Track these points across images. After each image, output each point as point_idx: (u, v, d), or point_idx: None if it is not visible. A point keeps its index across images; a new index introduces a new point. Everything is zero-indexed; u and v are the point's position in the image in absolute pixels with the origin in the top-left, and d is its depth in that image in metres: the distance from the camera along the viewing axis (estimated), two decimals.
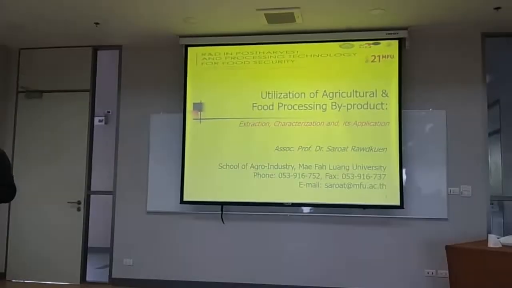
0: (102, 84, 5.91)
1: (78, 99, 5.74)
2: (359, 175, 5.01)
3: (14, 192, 3.02)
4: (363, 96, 5.08)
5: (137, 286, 5.36)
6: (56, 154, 5.71)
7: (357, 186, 5.00)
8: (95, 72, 5.82)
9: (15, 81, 5.90)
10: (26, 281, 5.57)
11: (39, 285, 5.46)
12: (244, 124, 5.25)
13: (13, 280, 5.61)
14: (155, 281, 5.36)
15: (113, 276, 5.50)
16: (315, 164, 5.08)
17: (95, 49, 5.81)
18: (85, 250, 5.64)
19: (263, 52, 5.28)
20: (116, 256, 5.52)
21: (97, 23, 4.99)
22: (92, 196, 5.74)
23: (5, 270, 5.66)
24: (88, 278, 5.65)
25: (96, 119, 6.01)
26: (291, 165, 5.12)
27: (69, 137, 5.72)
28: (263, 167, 5.17)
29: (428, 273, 4.98)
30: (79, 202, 5.61)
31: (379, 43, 5.10)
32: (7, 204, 4.06)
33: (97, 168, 5.90)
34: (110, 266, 5.55)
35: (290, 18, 4.77)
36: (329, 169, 5.06)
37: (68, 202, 5.60)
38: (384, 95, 5.04)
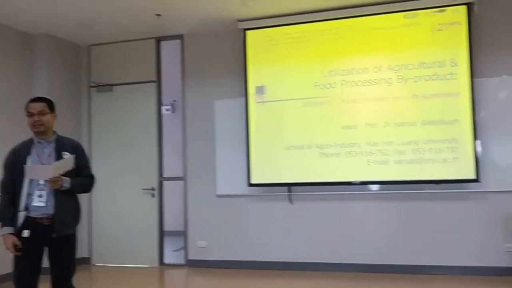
0: (167, 74, 6.08)
1: (145, 90, 5.96)
2: (430, 150, 4.84)
3: (94, 182, 3.19)
4: (430, 67, 4.88)
5: (212, 266, 5.54)
6: (129, 143, 5.97)
7: (429, 161, 4.84)
8: (159, 63, 5.99)
9: (86, 77, 6.20)
10: (109, 265, 5.92)
11: (122, 268, 5.78)
12: (307, 104, 5.22)
13: (97, 264, 5.98)
14: (228, 261, 5.51)
15: (189, 258, 5.73)
16: (383, 141, 4.97)
17: (158, 40, 5.97)
18: (161, 234, 5.90)
19: (324, 30, 5.19)
20: (190, 239, 5.74)
21: (158, 15, 5.12)
22: (164, 182, 5.98)
23: (90, 255, 6.05)
24: (166, 261, 5.92)
25: (163, 108, 6.20)
26: (357, 143, 5.04)
27: (140, 127, 5.96)
28: (328, 146, 5.12)
29: (508, 248, 4.75)
30: (153, 189, 5.86)
31: (444, 10, 4.85)
32: (87, 194, 4.31)
33: (168, 155, 6.12)
34: (186, 248, 5.78)
35: None
36: (398, 145, 4.93)
37: (143, 189, 5.86)
38: (453, 64, 4.81)
